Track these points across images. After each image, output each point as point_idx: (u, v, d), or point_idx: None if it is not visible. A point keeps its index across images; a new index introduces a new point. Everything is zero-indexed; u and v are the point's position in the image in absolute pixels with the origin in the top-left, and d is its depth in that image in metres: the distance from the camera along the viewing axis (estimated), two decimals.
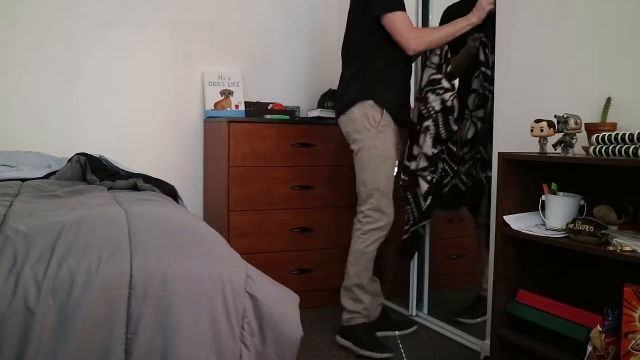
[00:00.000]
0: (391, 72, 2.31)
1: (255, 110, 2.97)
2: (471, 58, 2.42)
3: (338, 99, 2.44)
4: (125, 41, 2.96)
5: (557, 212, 1.73)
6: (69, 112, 2.87)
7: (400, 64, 2.32)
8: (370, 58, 2.30)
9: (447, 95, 2.29)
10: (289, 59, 3.31)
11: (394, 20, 2.23)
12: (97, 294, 1.25)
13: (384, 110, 2.28)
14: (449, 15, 2.58)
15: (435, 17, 2.85)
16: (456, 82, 2.53)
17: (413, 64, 2.49)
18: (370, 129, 2.29)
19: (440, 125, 2.31)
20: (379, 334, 2.50)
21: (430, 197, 2.37)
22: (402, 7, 2.25)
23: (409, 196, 2.40)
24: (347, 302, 2.37)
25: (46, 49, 2.81)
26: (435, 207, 2.42)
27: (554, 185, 1.79)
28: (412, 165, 2.39)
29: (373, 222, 2.33)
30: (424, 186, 2.37)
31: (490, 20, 2.26)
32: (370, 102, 2.28)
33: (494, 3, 2.23)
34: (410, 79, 2.44)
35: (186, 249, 1.42)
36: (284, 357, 1.40)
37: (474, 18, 2.27)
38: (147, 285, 1.30)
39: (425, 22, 2.87)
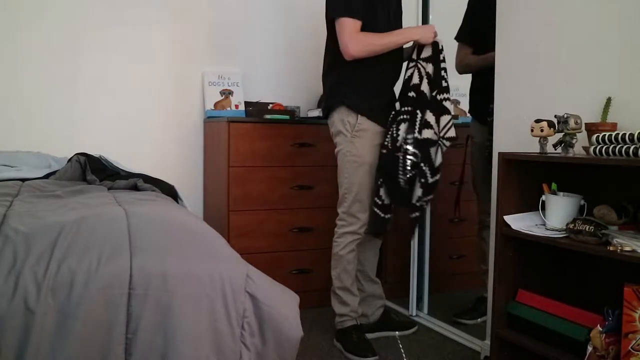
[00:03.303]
0: (364, 75, 2.28)
1: (255, 110, 2.96)
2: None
3: (322, 104, 2.46)
4: (125, 41, 2.96)
5: (557, 212, 1.73)
6: (69, 112, 2.87)
7: (375, 66, 2.28)
8: (340, 62, 2.27)
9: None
10: (289, 59, 3.30)
11: (339, 26, 2.22)
12: (97, 294, 1.25)
13: (359, 115, 2.28)
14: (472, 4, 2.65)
15: (435, 17, 2.86)
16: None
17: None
18: (346, 134, 2.30)
19: None
20: (380, 334, 2.51)
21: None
22: (353, 13, 2.20)
23: (423, 167, 2.26)
24: (336, 306, 2.40)
25: (46, 49, 2.81)
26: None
27: (554, 185, 1.79)
28: (427, 133, 2.24)
29: (346, 226, 2.35)
30: (439, 157, 2.27)
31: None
32: (345, 108, 2.29)
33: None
34: (392, 80, 2.41)
35: (186, 249, 1.42)
36: (284, 357, 1.40)
37: (416, 36, 2.28)
38: (147, 285, 1.30)
39: (425, 22, 2.87)
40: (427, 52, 2.30)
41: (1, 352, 1.16)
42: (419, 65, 2.30)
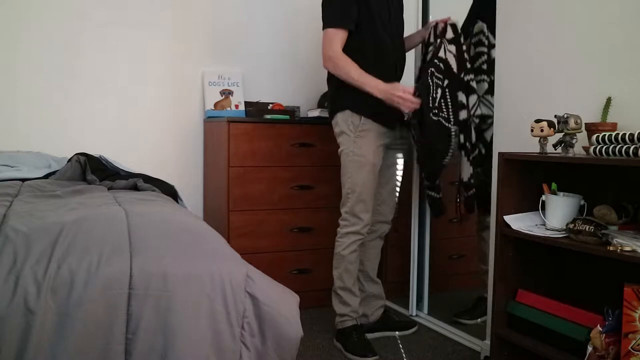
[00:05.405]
0: None
1: (255, 110, 2.96)
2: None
3: (328, 107, 2.47)
4: (125, 41, 2.96)
5: (557, 212, 1.73)
6: (69, 112, 2.87)
7: (377, 67, 2.28)
8: None
9: None
10: (289, 59, 3.31)
11: (324, 35, 2.27)
12: (97, 294, 1.25)
13: (362, 116, 2.29)
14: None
15: (435, 17, 2.85)
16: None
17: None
18: (349, 134, 2.31)
19: None
20: (380, 334, 2.51)
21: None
22: (337, 23, 2.24)
23: (468, 145, 2.33)
24: (337, 306, 2.40)
25: (46, 49, 2.81)
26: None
27: (554, 185, 1.79)
28: (463, 114, 2.29)
29: (349, 226, 2.35)
30: (473, 135, 2.34)
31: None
32: (348, 111, 2.31)
33: (405, 102, 2.20)
34: (395, 80, 2.39)
35: (186, 249, 1.42)
36: (284, 357, 1.40)
37: (379, 94, 2.21)
38: (147, 285, 1.30)
39: (425, 22, 2.87)
40: (449, 34, 2.33)
41: (1, 352, 1.16)
42: (444, 44, 2.32)
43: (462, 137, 2.31)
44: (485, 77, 2.46)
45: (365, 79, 2.23)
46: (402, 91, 2.19)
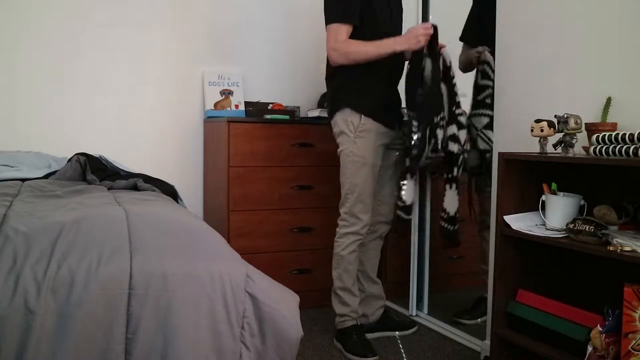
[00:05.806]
0: (366, 77, 2.28)
1: (255, 110, 2.97)
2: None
3: (327, 108, 2.47)
4: (125, 41, 2.96)
5: (557, 212, 1.73)
6: (69, 112, 2.87)
7: (376, 67, 2.26)
8: (343, 66, 2.28)
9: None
10: (289, 59, 3.31)
11: (327, 32, 2.26)
12: (97, 294, 1.25)
13: (362, 115, 2.28)
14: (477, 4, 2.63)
15: (435, 17, 2.85)
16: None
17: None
18: (349, 134, 2.31)
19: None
20: (380, 334, 2.51)
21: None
22: (342, 18, 2.23)
23: (458, 177, 2.34)
24: (336, 306, 2.40)
25: (46, 49, 2.81)
26: None
27: (554, 185, 1.79)
28: (453, 147, 2.30)
29: (348, 226, 2.34)
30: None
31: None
32: (348, 109, 2.30)
33: (428, 41, 2.21)
34: (395, 80, 2.41)
35: (186, 249, 1.42)
36: (284, 357, 1.40)
37: (397, 46, 2.21)
38: (147, 285, 1.30)
39: (425, 22, 2.86)
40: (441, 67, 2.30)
41: (1, 352, 1.16)
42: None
43: (455, 170, 2.31)
44: (487, 111, 2.43)
45: (381, 43, 2.21)
46: (422, 29, 2.20)
